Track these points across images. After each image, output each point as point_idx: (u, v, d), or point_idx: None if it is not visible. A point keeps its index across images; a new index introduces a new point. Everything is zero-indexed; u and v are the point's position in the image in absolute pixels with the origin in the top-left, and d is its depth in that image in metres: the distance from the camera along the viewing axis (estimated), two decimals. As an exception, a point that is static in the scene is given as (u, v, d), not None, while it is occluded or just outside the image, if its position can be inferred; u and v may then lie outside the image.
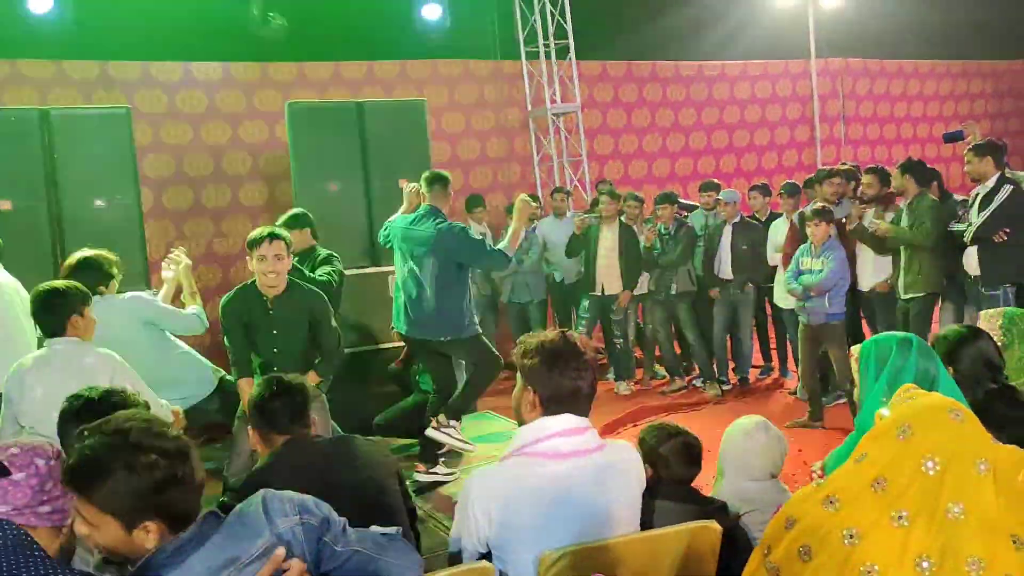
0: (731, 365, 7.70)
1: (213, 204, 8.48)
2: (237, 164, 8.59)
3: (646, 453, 2.74)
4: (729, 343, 7.64)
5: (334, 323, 4.58)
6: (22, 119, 6.06)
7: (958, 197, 6.57)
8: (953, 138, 7.32)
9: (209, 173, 8.48)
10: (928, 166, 6.53)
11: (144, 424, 1.73)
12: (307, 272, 5.23)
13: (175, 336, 4.81)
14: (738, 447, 2.81)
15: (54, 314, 3.54)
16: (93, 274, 4.28)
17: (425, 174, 5.51)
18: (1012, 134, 12.46)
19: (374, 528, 1.94)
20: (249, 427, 2.91)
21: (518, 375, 2.32)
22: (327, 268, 5.36)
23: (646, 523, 2.39)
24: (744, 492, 2.74)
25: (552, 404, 2.25)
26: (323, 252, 5.59)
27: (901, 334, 2.50)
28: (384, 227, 5.72)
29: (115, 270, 4.46)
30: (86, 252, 4.44)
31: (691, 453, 2.78)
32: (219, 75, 8.55)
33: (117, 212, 6.16)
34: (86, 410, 2.43)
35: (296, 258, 5.04)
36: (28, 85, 7.81)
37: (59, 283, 3.70)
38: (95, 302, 3.81)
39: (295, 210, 5.89)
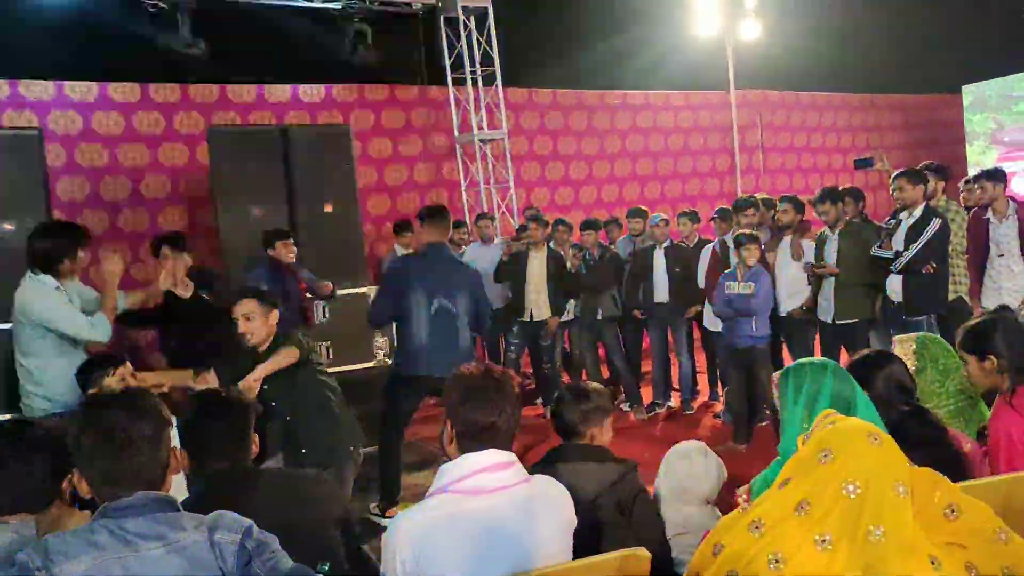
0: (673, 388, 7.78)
1: (131, 228, 8.23)
2: (156, 187, 8.37)
3: (560, 418, 2.85)
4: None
5: None
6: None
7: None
8: (863, 164, 7.58)
9: (126, 197, 8.24)
10: (850, 188, 6.73)
11: None
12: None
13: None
14: (676, 471, 2.83)
15: None
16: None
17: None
18: (919, 164, 13.01)
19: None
20: (177, 447, 2.67)
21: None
22: None
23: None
24: (678, 515, 2.76)
25: (466, 439, 2.21)
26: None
27: (819, 359, 2.56)
28: None
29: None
30: None
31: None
32: (137, 96, 8.34)
33: (25, 236, 5.91)
34: None
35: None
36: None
37: None
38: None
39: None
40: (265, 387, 4.23)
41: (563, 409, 2.87)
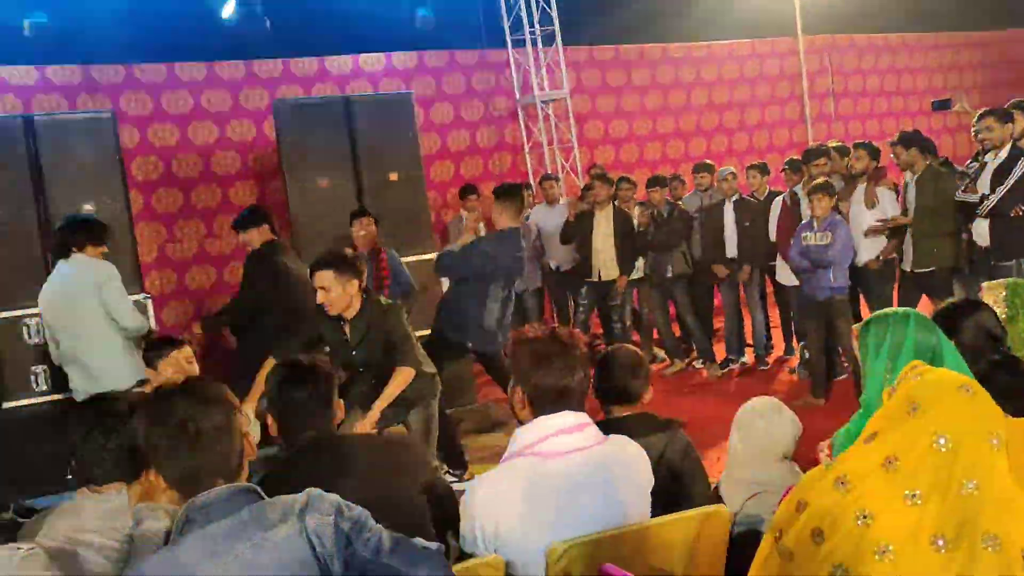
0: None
1: (204, 204, 8.43)
2: (226, 163, 8.54)
3: (616, 386, 2.78)
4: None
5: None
6: (5, 127, 6.01)
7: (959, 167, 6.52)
8: (942, 106, 7.31)
9: (198, 173, 8.43)
10: (924, 136, 6.49)
11: None
12: None
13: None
14: (751, 429, 2.78)
15: None
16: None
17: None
18: (1003, 104, 12.43)
19: (417, 540, 1.88)
20: (268, 415, 2.66)
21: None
22: None
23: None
24: (757, 475, 2.71)
25: (539, 403, 2.20)
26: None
27: (901, 309, 2.47)
28: None
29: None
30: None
31: (635, 360, 2.84)
32: (203, 74, 8.49)
33: (106, 216, 6.09)
34: None
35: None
36: (10, 92, 7.74)
37: None
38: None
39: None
40: (354, 352, 4.33)
41: (620, 377, 2.81)
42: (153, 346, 3.89)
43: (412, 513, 2.49)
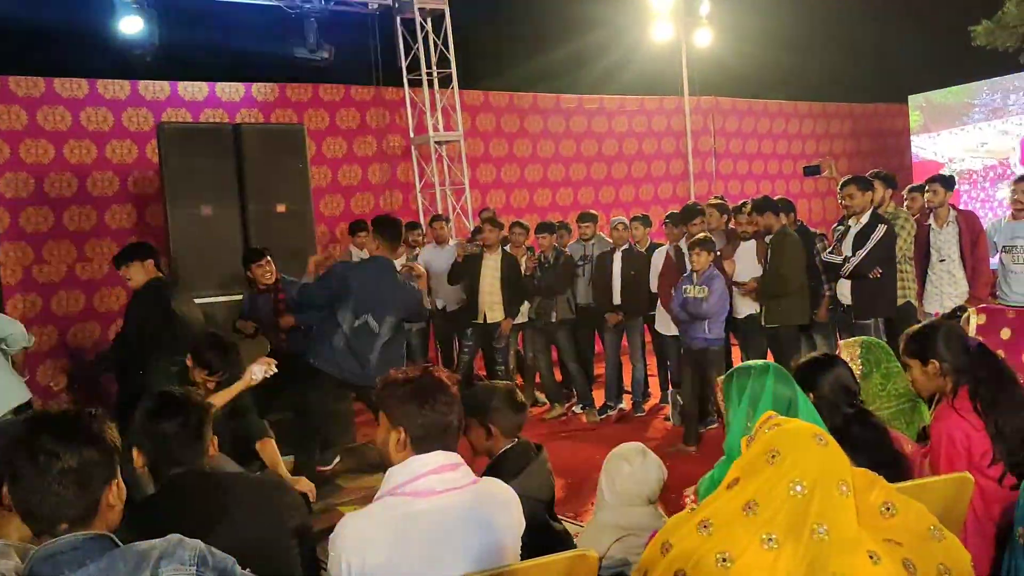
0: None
1: (76, 226, 8.06)
2: (103, 185, 8.20)
3: (477, 412, 2.83)
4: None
5: None
6: None
7: (815, 230, 6.97)
8: (812, 171, 7.78)
9: (72, 194, 8.06)
10: (779, 198, 6.89)
11: None
12: None
13: None
14: (617, 474, 2.86)
15: None
16: None
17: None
18: (867, 172, 13.28)
19: None
20: (134, 449, 2.49)
21: (382, 413, 2.26)
22: None
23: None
24: (622, 518, 2.78)
25: (422, 442, 2.20)
26: None
27: (761, 362, 2.62)
28: None
29: None
30: None
31: (516, 398, 2.94)
32: (84, 91, 8.17)
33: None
34: None
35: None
36: None
37: None
38: None
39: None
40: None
41: (517, 412, 2.91)
42: None
43: (281, 556, 2.43)
